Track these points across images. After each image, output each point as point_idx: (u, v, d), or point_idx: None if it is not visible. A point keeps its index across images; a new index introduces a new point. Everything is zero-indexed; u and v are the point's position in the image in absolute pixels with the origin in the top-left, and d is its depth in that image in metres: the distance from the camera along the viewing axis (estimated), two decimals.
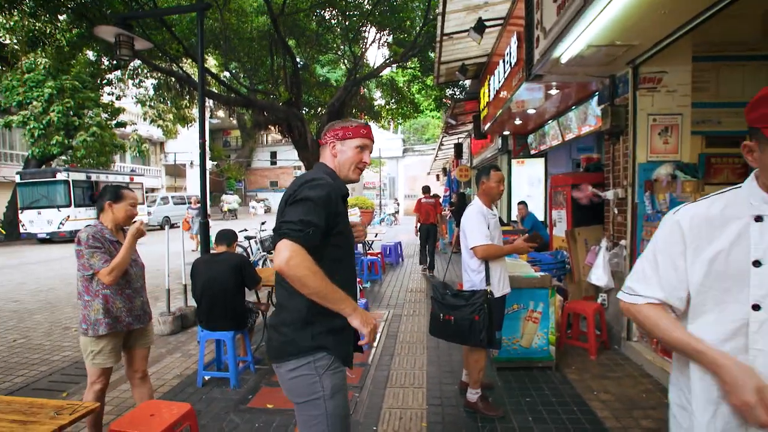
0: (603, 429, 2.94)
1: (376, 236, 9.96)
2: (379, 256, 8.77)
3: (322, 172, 1.72)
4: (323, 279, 1.45)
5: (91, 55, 12.33)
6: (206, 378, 3.79)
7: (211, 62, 14.11)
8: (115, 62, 12.34)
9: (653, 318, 1.17)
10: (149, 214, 20.75)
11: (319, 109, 14.16)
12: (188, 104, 13.45)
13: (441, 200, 13.53)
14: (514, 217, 8.02)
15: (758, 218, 1.05)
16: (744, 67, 4.27)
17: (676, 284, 1.15)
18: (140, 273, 2.75)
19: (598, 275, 4.35)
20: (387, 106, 14.40)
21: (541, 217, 7.50)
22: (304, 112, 11.87)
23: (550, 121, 7.19)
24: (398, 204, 29.05)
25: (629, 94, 4.21)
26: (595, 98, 5.15)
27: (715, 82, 4.36)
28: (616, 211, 4.47)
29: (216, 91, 11.05)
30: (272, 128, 11.30)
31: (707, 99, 4.31)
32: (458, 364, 4.04)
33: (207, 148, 5.82)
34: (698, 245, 1.11)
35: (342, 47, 12.83)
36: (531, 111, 6.57)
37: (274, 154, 39.22)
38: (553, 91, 5.41)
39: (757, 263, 1.04)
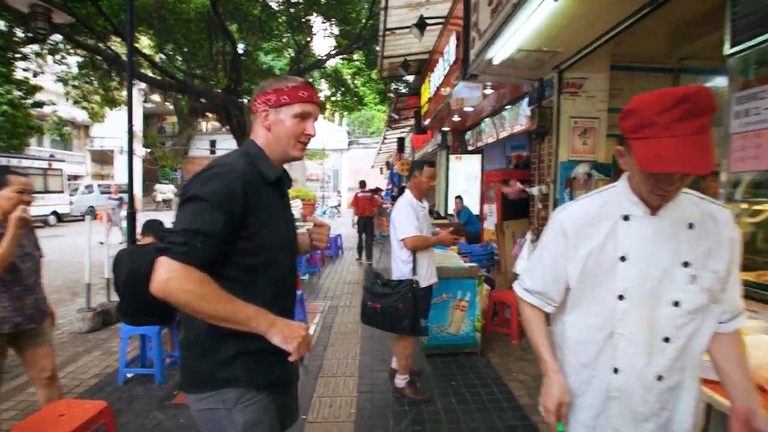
0: (518, 406, 3.17)
1: None
2: None
3: (235, 155, 1.35)
4: (218, 300, 1.16)
5: (1, 25, 11.10)
6: (129, 376, 3.61)
7: (145, 42, 13.21)
8: (31, 35, 11.21)
9: (527, 317, 1.38)
10: (71, 203, 19.15)
11: None
12: (118, 86, 12.53)
13: (384, 194, 13.69)
14: (450, 211, 8.30)
15: (626, 217, 1.17)
16: (652, 78, 4.70)
17: (556, 278, 1.28)
18: (34, 268, 2.48)
19: (523, 266, 4.63)
20: (332, 98, 14.29)
21: (476, 211, 7.82)
22: (244, 100, 11.48)
23: (486, 119, 7.50)
24: (341, 196, 28.97)
25: (554, 97, 4.50)
26: (526, 99, 5.45)
27: (628, 89, 4.76)
28: (540, 206, 4.78)
29: (149, 74, 10.40)
30: (210, 116, 10.84)
31: (621, 105, 4.66)
32: (390, 352, 4.15)
33: (140, 135, 5.50)
34: (578, 243, 1.21)
35: (286, 35, 12.52)
36: (468, 109, 6.83)
37: (213, 143, 37.44)
38: (488, 91, 5.66)
39: (623, 258, 1.17)
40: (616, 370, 1.20)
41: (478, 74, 4.58)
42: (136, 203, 5.47)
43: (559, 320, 1.35)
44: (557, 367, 1.27)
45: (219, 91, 9.71)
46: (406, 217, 3.18)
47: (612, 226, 1.18)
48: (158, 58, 12.28)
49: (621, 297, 1.17)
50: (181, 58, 12.51)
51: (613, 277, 1.18)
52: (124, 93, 13.20)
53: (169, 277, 1.13)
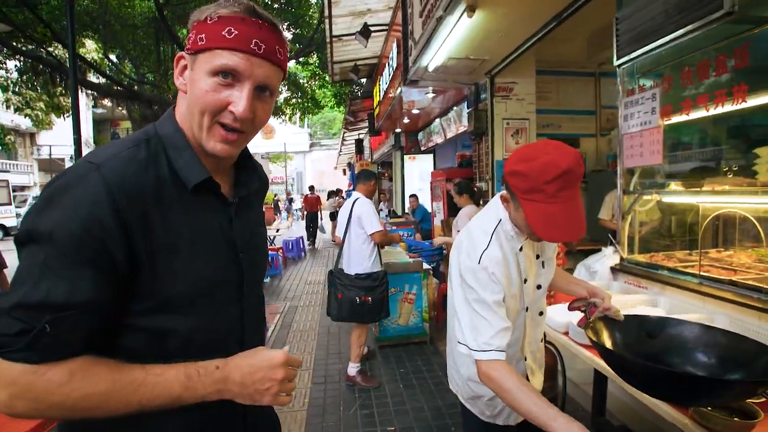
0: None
1: (277, 231, 10.04)
2: (279, 251, 8.84)
3: (127, 142, 0.78)
4: (114, 391, 0.71)
5: None
6: None
7: (90, 46, 12.81)
8: None
9: (508, 377, 1.20)
10: (18, 216, 18.25)
11: None
12: (63, 91, 12.11)
13: (345, 194, 13.92)
14: (406, 210, 8.60)
15: (521, 249, 1.40)
16: (576, 81, 5.15)
17: (506, 319, 1.38)
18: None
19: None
20: (289, 101, 14.34)
21: (430, 209, 8.15)
22: None
23: (436, 120, 7.83)
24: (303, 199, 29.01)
25: (488, 100, 4.85)
26: (466, 102, 5.80)
27: (555, 92, 5.19)
28: (481, 202, 5.12)
29: (96, 81, 10.14)
30: None
31: (550, 106, 5.12)
32: (345, 346, 4.40)
33: (91, 142, 5.45)
34: (505, 283, 1.37)
35: None
36: (416, 111, 7.13)
37: None
38: (431, 95, 5.96)
39: (525, 280, 1.42)
40: (525, 358, 1.49)
41: (417, 80, 4.88)
42: None
43: None
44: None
45: (171, 97, 9.60)
46: (374, 215, 3.56)
47: (514, 258, 1.39)
48: (105, 63, 11.94)
49: (526, 309, 1.45)
50: (130, 65, 12.22)
51: (520, 296, 1.42)
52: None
53: (9, 394, 0.66)
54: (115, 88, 9.43)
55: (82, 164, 0.72)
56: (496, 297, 1.30)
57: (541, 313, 1.51)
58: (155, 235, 0.74)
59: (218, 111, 0.77)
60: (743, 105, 2.13)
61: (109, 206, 0.69)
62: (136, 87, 10.47)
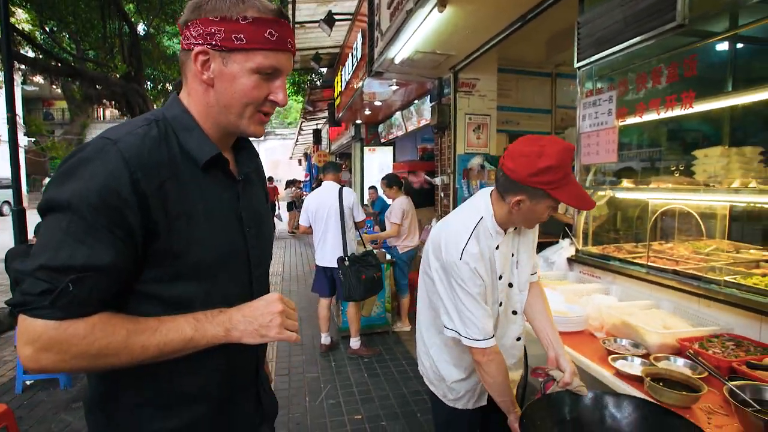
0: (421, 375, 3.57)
1: None
2: None
3: (137, 122, 0.84)
4: (131, 340, 0.76)
5: None
6: (28, 383, 3.44)
7: (21, 16, 11.72)
8: None
9: (499, 367, 1.40)
10: None
11: (167, 84, 12.96)
12: None
13: (302, 185, 13.74)
14: (365, 201, 8.62)
15: (497, 247, 1.46)
16: (534, 80, 5.36)
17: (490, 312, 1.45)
18: None
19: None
20: None
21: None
22: (148, 87, 10.74)
23: (396, 113, 7.88)
24: None
25: (452, 95, 4.95)
26: (429, 96, 5.88)
27: (515, 90, 5.38)
28: (442, 195, 5.25)
29: (30, 55, 9.30)
30: (107, 103, 10.01)
31: (510, 104, 5.30)
32: (307, 338, 4.39)
33: (20, 122, 5.02)
34: (483, 276, 1.42)
35: None
36: (378, 103, 7.14)
37: None
38: (394, 87, 6.00)
39: (500, 277, 1.48)
40: None
41: (382, 71, 4.89)
42: (23, 200, 5.04)
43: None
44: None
45: (117, 77, 8.99)
46: (360, 204, 3.95)
47: (491, 255, 1.45)
48: (38, 36, 10.97)
49: (500, 303, 1.51)
50: (69, 38, 11.31)
51: (493, 290, 1.48)
52: None
53: (36, 349, 0.72)
54: (53, 63, 8.69)
55: (99, 140, 0.78)
56: (479, 289, 1.39)
57: (514, 312, 1.56)
58: (171, 205, 0.80)
59: (262, 103, 0.87)
60: (690, 110, 2.33)
61: (126, 178, 0.75)
62: (74, 63, 9.70)
